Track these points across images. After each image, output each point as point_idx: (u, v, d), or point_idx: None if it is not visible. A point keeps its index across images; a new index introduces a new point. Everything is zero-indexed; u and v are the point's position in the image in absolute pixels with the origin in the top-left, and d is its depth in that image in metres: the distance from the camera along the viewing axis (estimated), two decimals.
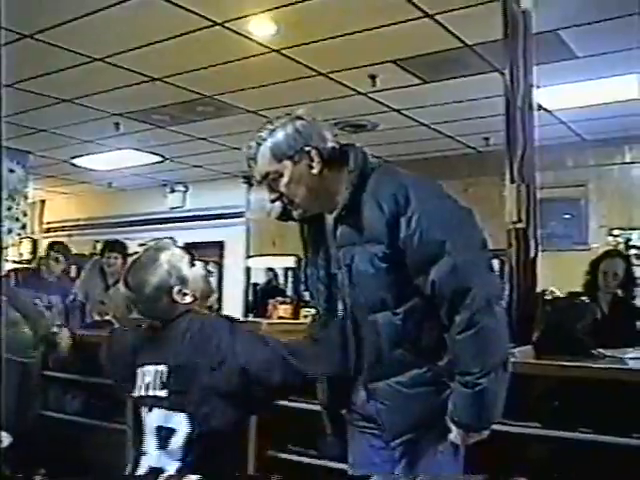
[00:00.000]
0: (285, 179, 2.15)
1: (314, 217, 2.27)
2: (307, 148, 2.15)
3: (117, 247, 5.94)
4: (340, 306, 2.23)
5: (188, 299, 2.22)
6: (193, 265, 2.27)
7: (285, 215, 2.28)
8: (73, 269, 10.98)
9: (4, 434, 3.07)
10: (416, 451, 2.18)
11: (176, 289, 2.21)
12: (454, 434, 2.12)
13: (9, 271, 5.86)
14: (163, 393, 2.14)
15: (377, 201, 2.09)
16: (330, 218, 2.21)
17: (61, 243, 6.36)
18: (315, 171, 2.15)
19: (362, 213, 2.11)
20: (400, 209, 2.06)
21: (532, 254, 4.19)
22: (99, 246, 12.71)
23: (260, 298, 9.73)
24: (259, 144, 2.17)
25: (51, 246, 5.98)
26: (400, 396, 2.15)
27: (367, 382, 2.20)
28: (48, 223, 13.03)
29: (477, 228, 2.16)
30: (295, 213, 2.22)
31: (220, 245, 10.80)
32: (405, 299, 2.11)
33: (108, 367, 2.56)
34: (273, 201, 2.21)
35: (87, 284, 5.94)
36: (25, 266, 6.84)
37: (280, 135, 2.15)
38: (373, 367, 2.17)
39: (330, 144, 2.20)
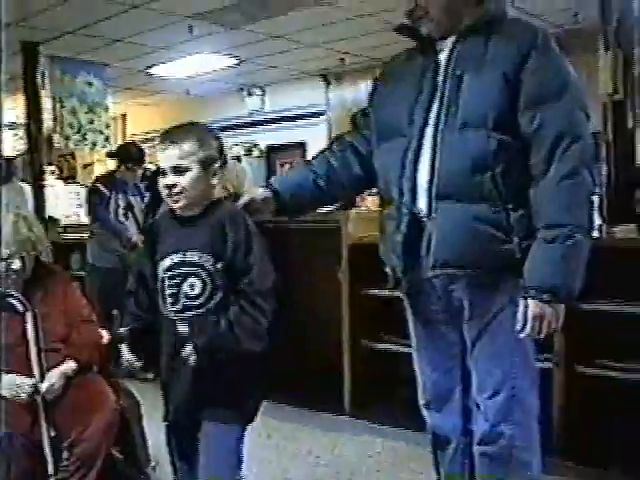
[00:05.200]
0: None
1: (426, 44, 2.21)
2: None
3: None
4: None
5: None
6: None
7: (406, 30, 2.24)
8: None
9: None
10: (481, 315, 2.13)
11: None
12: (529, 309, 1.99)
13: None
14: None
15: (512, 30, 2.09)
16: (447, 43, 2.16)
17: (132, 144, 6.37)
18: None
19: (490, 37, 2.08)
20: (536, 43, 2.04)
21: (630, 126, 3.99)
22: None
23: None
24: None
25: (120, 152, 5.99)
26: (459, 222, 2.06)
27: (432, 200, 2.10)
28: (132, 136, 13.16)
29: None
30: (424, 28, 2.17)
31: (302, 146, 10.71)
32: (503, 129, 2.03)
33: None
34: (408, 12, 2.18)
35: None
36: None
37: None
38: (445, 184, 2.07)
39: None
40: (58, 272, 3.17)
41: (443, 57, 2.15)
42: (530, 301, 1.98)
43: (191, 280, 2.18)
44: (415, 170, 2.12)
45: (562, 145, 1.97)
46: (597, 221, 3.86)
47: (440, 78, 2.13)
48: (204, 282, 2.17)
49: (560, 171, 1.96)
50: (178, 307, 2.20)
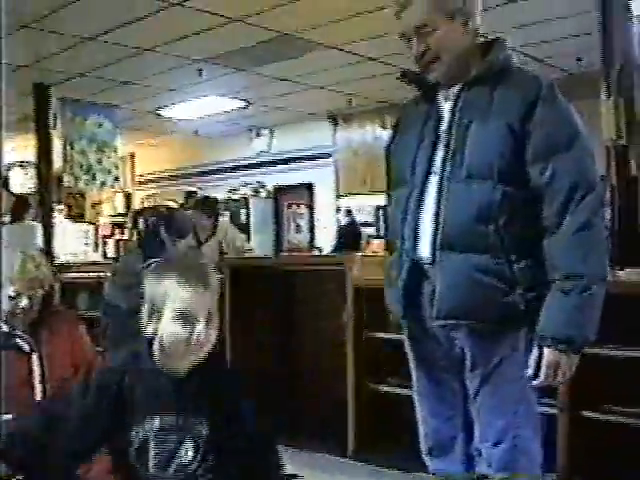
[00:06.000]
0: (439, 33, 2.13)
1: (429, 92, 2.24)
2: (466, 9, 2.15)
3: (206, 208, 6.05)
4: (427, 175, 2.15)
5: None
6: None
7: (411, 78, 2.27)
8: None
9: None
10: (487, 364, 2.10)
11: None
12: (544, 357, 1.99)
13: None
14: None
15: (517, 80, 2.12)
16: (451, 91, 2.18)
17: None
18: (468, 33, 2.16)
19: (496, 87, 2.10)
20: (541, 93, 2.05)
21: (634, 172, 4.00)
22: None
23: (343, 239, 9.44)
24: None
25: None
26: (461, 273, 2.06)
27: (436, 250, 2.10)
28: (140, 176, 13.26)
29: None
30: (432, 74, 2.19)
31: (309, 187, 10.77)
32: (509, 180, 2.04)
33: None
34: (417, 56, 2.18)
35: None
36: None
37: None
38: (449, 234, 2.07)
39: (480, 14, 2.20)
40: (63, 312, 3.18)
41: (447, 105, 2.17)
42: (546, 349, 1.99)
43: (186, 446, 1.99)
44: (418, 218, 2.14)
45: (576, 197, 1.98)
46: None
47: (444, 127, 2.15)
48: (198, 446, 1.99)
49: (575, 223, 1.97)
50: (168, 472, 1.99)
